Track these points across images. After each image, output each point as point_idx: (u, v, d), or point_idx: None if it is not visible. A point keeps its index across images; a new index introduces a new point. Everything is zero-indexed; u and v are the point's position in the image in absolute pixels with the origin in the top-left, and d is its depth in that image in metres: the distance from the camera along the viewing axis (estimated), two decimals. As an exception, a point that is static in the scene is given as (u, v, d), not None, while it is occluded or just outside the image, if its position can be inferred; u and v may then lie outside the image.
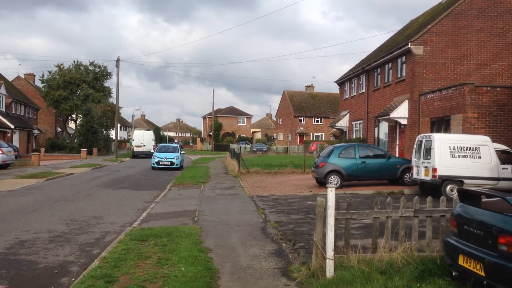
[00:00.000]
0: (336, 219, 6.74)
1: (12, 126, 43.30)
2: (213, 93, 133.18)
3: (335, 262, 6.58)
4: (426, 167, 15.59)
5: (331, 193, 6.62)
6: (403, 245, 7.07)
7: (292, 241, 9.17)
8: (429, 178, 15.41)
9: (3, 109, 45.64)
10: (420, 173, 16.00)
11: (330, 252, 6.52)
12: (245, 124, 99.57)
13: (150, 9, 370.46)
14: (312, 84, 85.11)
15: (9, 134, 42.94)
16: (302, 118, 76.53)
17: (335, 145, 21.21)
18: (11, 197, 16.47)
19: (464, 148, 15.11)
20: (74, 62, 60.89)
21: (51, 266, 7.68)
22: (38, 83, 64.51)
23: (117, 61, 48.43)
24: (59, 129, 69.46)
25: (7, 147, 30.42)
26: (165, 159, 32.04)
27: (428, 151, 15.59)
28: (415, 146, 16.63)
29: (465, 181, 14.94)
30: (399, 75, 24.17)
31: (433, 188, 15.31)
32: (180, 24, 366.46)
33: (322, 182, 18.56)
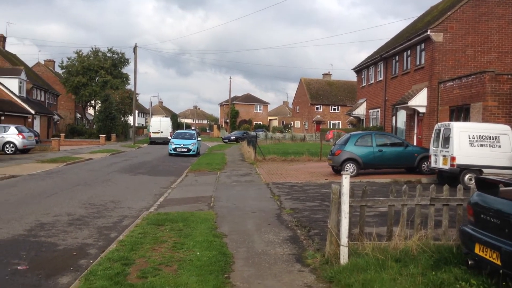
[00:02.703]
0: (350, 207, 6.73)
1: (33, 112, 43.93)
2: (230, 80, 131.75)
3: (349, 249, 6.58)
4: (444, 156, 15.42)
5: (345, 180, 6.60)
6: (419, 234, 7.04)
7: (307, 227, 9.19)
8: (447, 167, 15.25)
9: (24, 95, 46.29)
10: (438, 162, 15.85)
11: (344, 239, 6.53)
12: (261, 111, 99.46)
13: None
14: (329, 71, 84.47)
15: (29, 120, 43.59)
16: (319, 106, 76.07)
17: (351, 133, 21.09)
18: (31, 181, 16.79)
19: (484, 137, 14.90)
20: (93, 48, 61.49)
21: (70, 248, 7.83)
22: (58, 69, 65.24)
23: (135, 47, 48.67)
24: (78, 115, 70.29)
25: (28, 132, 30.94)
26: (182, 145, 32.24)
27: (446, 140, 15.41)
28: (433, 135, 16.45)
29: (484, 170, 14.74)
30: (418, 63, 23.85)
31: (451, 177, 15.14)
32: (196, 11, 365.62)
33: (338, 170, 18.51)
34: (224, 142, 57.34)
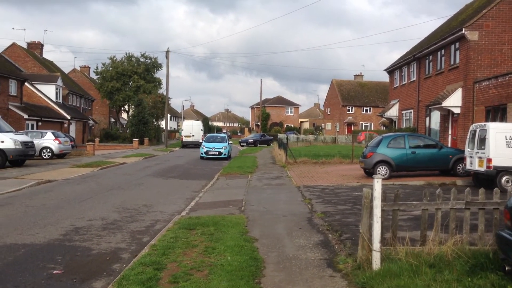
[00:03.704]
0: (383, 211, 6.63)
1: (69, 117, 45.11)
2: (261, 82, 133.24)
3: (382, 254, 6.48)
4: (480, 157, 15.02)
5: (377, 184, 6.50)
6: (454, 238, 6.87)
7: (338, 232, 9.09)
8: (483, 169, 14.84)
9: (60, 101, 47.55)
10: (474, 163, 15.44)
11: (376, 244, 6.43)
12: (292, 114, 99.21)
13: (196, 0, 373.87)
14: (361, 72, 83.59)
15: (66, 125, 44.78)
16: (350, 108, 75.30)
17: (383, 135, 20.78)
18: (67, 185, 17.20)
19: (522, 138, 14.42)
20: (126, 54, 62.58)
21: (103, 253, 7.97)
22: (93, 75, 66.74)
23: (167, 52, 49.39)
24: (112, 120, 71.73)
25: (64, 137, 31.76)
26: (213, 149, 32.47)
27: (482, 141, 15.00)
28: (468, 136, 16.05)
29: (523, 172, 14.28)
30: (452, 62, 23.33)
31: (488, 179, 14.74)
32: (226, 14, 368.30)
33: (370, 173, 18.27)
34: (241, 146, 55.63)
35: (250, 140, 58.50)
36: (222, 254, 7.34)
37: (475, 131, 15.57)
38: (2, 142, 22.74)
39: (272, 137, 62.33)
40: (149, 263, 6.84)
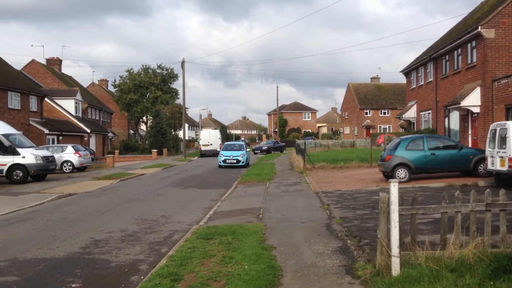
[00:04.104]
0: (400, 215, 6.51)
1: (88, 130, 45.69)
2: (277, 89, 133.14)
3: (401, 259, 6.35)
4: (501, 157, 14.72)
5: (394, 188, 6.40)
6: (475, 241, 6.71)
7: (357, 237, 8.98)
8: (505, 168, 14.54)
9: (80, 115, 48.23)
10: (495, 163, 15.14)
11: (395, 249, 6.31)
12: (310, 119, 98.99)
13: (210, 9, 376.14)
14: (377, 75, 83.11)
15: (86, 138, 45.35)
16: (368, 111, 74.69)
17: (402, 137, 20.55)
18: (87, 198, 17.40)
19: (544, 136, 14.09)
20: (143, 66, 63.19)
21: (122, 265, 8.01)
22: (111, 88, 67.60)
23: (182, 62, 49.73)
24: (131, 131, 72.43)
25: (84, 151, 32.22)
26: (231, 157, 32.52)
27: (503, 140, 14.71)
28: (489, 135, 15.76)
29: (546, 171, 13.94)
30: (469, 61, 22.99)
31: (511, 179, 14.44)
32: (240, 22, 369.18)
33: (389, 176, 18.03)
34: (255, 153, 55.36)
35: (264, 147, 58.86)
36: (240, 263, 7.31)
37: (495, 130, 15.29)
38: (24, 157, 23.16)
39: (284, 144, 62.76)
40: (166, 274, 6.84)
